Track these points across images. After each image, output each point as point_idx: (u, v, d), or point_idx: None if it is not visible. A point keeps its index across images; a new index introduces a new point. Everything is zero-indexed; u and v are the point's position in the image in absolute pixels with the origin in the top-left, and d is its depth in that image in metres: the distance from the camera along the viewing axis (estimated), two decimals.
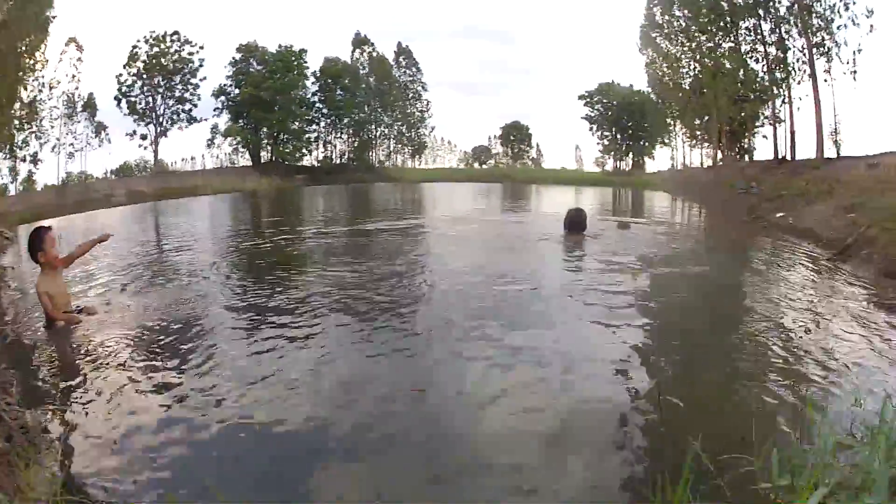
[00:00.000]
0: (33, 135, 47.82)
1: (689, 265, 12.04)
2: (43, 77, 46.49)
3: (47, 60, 44.38)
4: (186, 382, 5.33)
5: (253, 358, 6.04)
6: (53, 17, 41.19)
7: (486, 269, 10.78)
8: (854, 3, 32.65)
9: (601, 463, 4.12)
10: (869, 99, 77.20)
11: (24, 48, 38.54)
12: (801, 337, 6.87)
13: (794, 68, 37.26)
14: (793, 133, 36.97)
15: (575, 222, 15.02)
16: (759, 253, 14.87)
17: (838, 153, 31.00)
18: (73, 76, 52.61)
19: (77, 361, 5.98)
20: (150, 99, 60.71)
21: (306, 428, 4.57)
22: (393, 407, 4.92)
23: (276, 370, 5.64)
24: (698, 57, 50.71)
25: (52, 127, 51.44)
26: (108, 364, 5.81)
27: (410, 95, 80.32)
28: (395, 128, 79.68)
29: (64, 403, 4.88)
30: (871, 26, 32.16)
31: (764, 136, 49.22)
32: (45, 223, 8.26)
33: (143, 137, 60.94)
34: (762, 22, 39.34)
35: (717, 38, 46.05)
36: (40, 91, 46.82)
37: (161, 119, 61.23)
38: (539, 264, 11.94)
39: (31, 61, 41.23)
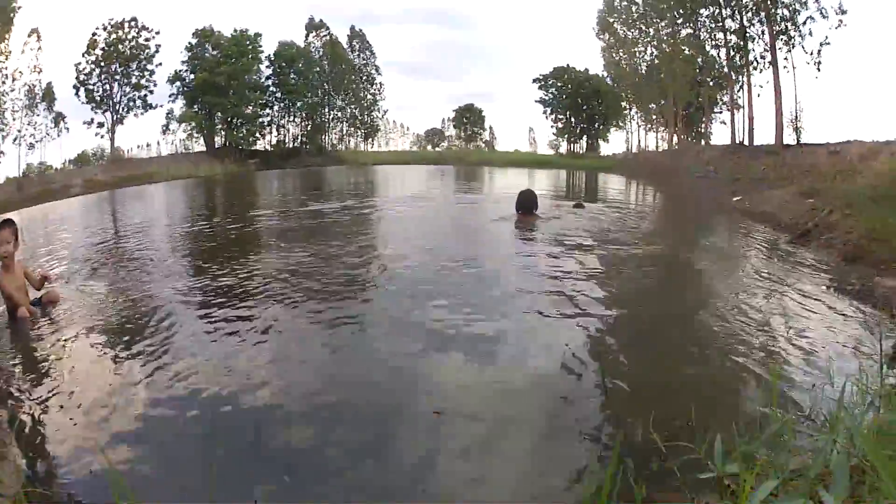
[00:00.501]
0: None
1: (643, 248, 11.60)
2: (6, 69, 45.60)
3: (10, 52, 43.67)
4: (150, 374, 5.09)
5: (211, 345, 5.83)
6: (18, 8, 40.48)
7: (438, 253, 10.44)
8: None
9: (541, 449, 3.98)
10: (837, 88, 78.09)
11: None
12: (759, 321, 6.62)
13: (755, 56, 37.09)
14: (751, 119, 36.83)
15: (527, 202, 14.44)
16: (716, 236, 14.72)
17: (798, 140, 30.60)
18: (35, 67, 51.62)
19: (40, 353, 5.80)
20: (108, 86, 59.08)
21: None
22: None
23: (236, 363, 5.36)
24: (656, 42, 50.73)
25: (14, 119, 50.35)
26: (71, 355, 5.63)
27: (364, 79, 79.43)
28: (349, 111, 78.64)
29: (28, 396, 4.71)
30: (841, 21, 31.96)
31: (722, 122, 49.47)
32: (8, 216, 7.83)
33: (100, 125, 59.16)
34: (723, 10, 39.15)
35: (676, 25, 45.93)
36: (3, 83, 45.86)
37: (117, 106, 59.57)
38: (491, 247, 11.47)
39: None
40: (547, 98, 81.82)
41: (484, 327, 6.27)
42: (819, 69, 32.62)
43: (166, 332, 6.09)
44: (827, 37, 32.66)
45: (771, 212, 16.28)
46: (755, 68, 36.95)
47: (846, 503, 2.16)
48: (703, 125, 53.26)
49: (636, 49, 54.75)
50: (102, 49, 58.56)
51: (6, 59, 43.15)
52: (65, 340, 5.98)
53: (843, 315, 6.87)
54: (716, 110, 50.46)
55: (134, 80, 60.08)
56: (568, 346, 5.63)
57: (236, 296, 7.57)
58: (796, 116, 31.44)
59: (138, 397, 4.57)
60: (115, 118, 59.34)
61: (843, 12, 31.84)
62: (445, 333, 6.06)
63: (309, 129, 74.72)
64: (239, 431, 4.10)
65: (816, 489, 2.26)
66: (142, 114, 61.10)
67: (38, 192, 31.42)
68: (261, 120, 70.85)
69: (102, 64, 58.42)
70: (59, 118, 56.10)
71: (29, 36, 50.40)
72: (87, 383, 4.86)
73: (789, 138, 31.41)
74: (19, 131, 50.91)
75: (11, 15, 39.90)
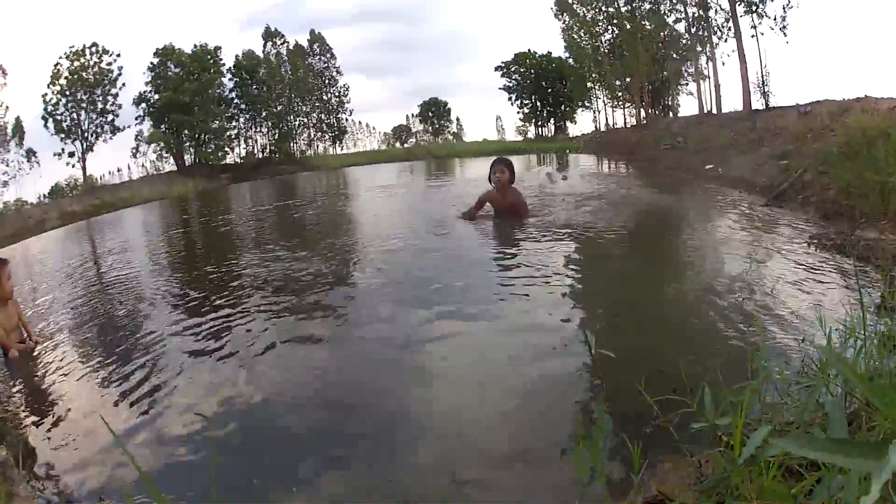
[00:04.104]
0: None
1: (623, 216, 11.63)
2: None
3: None
4: (149, 404, 4.84)
5: (208, 369, 5.53)
6: None
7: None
8: None
9: (531, 417, 3.98)
10: (806, 49, 78.40)
11: None
12: (742, 280, 6.54)
13: (717, 26, 37.09)
14: (717, 87, 36.92)
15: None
16: (690, 204, 14.48)
17: (767, 104, 30.53)
18: (1, 104, 51.36)
19: (39, 389, 5.69)
20: (75, 115, 58.89)
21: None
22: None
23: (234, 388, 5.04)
24: (616, 20, 50.75)
25: None
26: (69, 390, 5.44)
27: (326, 82, 79.23)
28: (314, 116, 78.50)
29: (33, 434, 4.59)
30: None
31: (689, 93, 49.66)
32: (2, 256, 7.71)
33: (71, 155, 59.01)
34: None
35: (634, 2, 45.99)
36: None
37: (86, 134, 59.38)
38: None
39: None
40: (511, 85, 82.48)
41: (465, 307, 6.26)
42: (785, 33, 32.65)
43: (161, 367, 5.70)
44: (790, 0, 32.65)
45: (744, 177, 16.31)
46: (719, 37, 37.02)
47: None
48: (669, 98, 53.43)
49: (596, 28, 54.77)
50: (66, 78, 58.54)
51: None
52: (61, 377, 5.81)
53: (826, 269, 6.84)
54: (682, 82, 50.64)
55: (100, 106, 60.06)
56: (552, 316, 5.68)
57: (225, 312, 7.22)
58: (763, 81, 31.31)
59: (141, 434, 4.36)
60: (84, 146, 59.24)
61: None
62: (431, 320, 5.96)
63: (276, 137, 74.62)
64: (250, 451, 3.96)
65: (813, 433, 2.28)
66: (110, 138, 61.15)
67: (17, 230, 30.96)
68: (228, 133, 70.69)
69: (68, 93, 58.38)
70: (30, 154, 56.03)
71: None
72: (90, 419, 4.70)
73: (758, 103, 31.33)
74: None
75: None
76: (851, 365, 2.21)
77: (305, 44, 78.15)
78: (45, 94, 57.82)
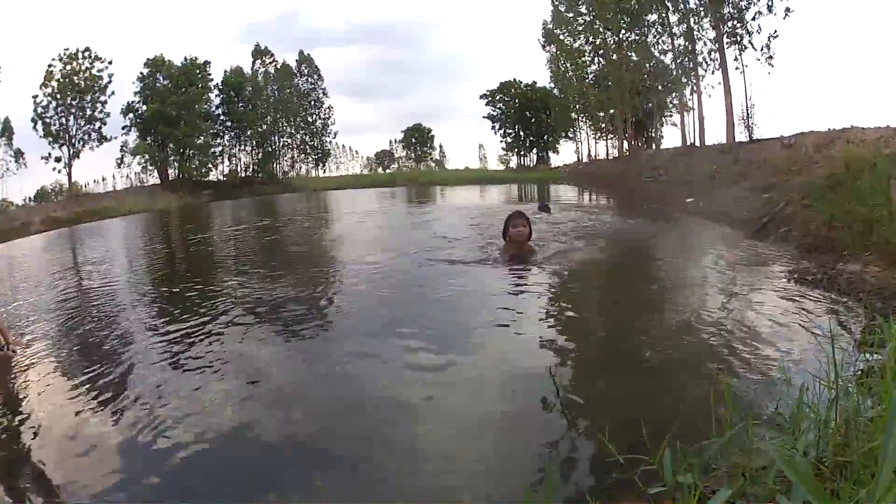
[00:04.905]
0: None
1: (601, 251, 11.63)
2: None
3: None
4: (125, 415, 4.72)
5: (183, 381, 5.42)
6: None
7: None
8: None
9: (487, 463, 3.75)
10: (790, 80, 79.24)
11: None
12: (719, 320, 6.27)
13: (703, 58, 37.26)
14: (701, 119, 37.11)
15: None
16: (670, 238, 14.24)
17: (751, 136, 30.59)
18: None
19: (17, 398, 5.49)
20: (64, 119, 58.83)
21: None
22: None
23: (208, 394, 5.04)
24: (603, 51, 51.12)
25: None
26: (48, 398, 5.27)
27: (312, 103, 79.40)
28: (298, 137, 78.76)
29: (11, 443, 4.45)
30: (788, 10, 32.13)
31: (673, 124, 49.93)
32: None
33: (58, 160, 58.92)
34: (670, 14, 39.41)
35: (622, 33, 46.28)
36: None
37: (73, 140, 59.24)
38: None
39: None
40: (495, 113, 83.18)
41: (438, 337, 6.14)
42: (771, 64, 32.97)
43: (138, 377, 5.62)
44: (776, 30, 33.04)
45: (726, 210, 16.18)
46: (704, 69, 37.19)
47: None
48: (653, 129, 53.66)
49: (583, 59, 55.16)
50: (58, 80, 58.54)
51: None
52: (39, 386, 5.62)
53: (806, 306, 6.59)
54: (666, 113, 50.86)
55: (88, 113, 60.06)
56: (521, 356, 5.52)
57: (207, 333, 6.98)
58: (748, 114, 31.37)
59: (119, 446, 4.22)
60: (71, 152, 59.12)
61: None
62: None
63: (260, 157, 74.84)
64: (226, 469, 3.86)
65: (777, 495, 2.20)
66: (97, 146, 61.08)
67: (2, 230, 30.74)
68: (213, 150, 70.92)
69: (58, 96, 58.34)
70: (18, 154, 56.19)
71: None
72: (68, 428, 4.56)
73: (742, 135, 31.51)
74: None
75: None
76: (813, 483, 1.89)
77: (294, 64, 78.44)
78: (36, 96, 57.96)
